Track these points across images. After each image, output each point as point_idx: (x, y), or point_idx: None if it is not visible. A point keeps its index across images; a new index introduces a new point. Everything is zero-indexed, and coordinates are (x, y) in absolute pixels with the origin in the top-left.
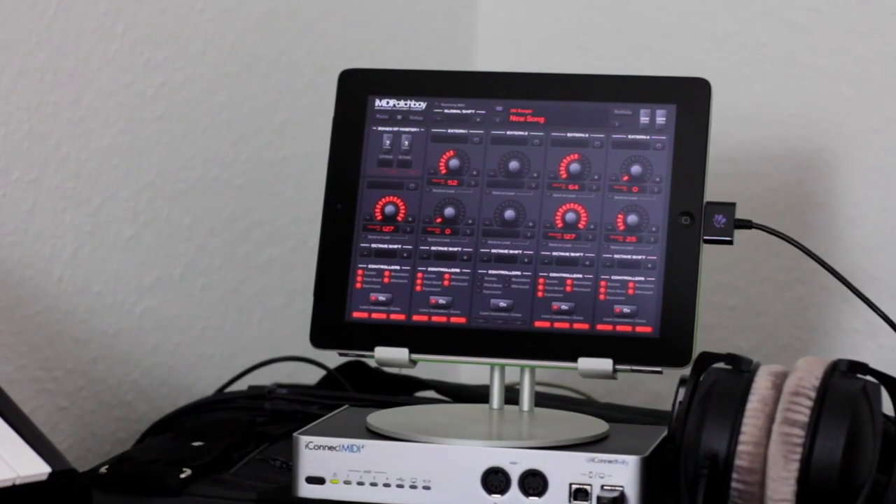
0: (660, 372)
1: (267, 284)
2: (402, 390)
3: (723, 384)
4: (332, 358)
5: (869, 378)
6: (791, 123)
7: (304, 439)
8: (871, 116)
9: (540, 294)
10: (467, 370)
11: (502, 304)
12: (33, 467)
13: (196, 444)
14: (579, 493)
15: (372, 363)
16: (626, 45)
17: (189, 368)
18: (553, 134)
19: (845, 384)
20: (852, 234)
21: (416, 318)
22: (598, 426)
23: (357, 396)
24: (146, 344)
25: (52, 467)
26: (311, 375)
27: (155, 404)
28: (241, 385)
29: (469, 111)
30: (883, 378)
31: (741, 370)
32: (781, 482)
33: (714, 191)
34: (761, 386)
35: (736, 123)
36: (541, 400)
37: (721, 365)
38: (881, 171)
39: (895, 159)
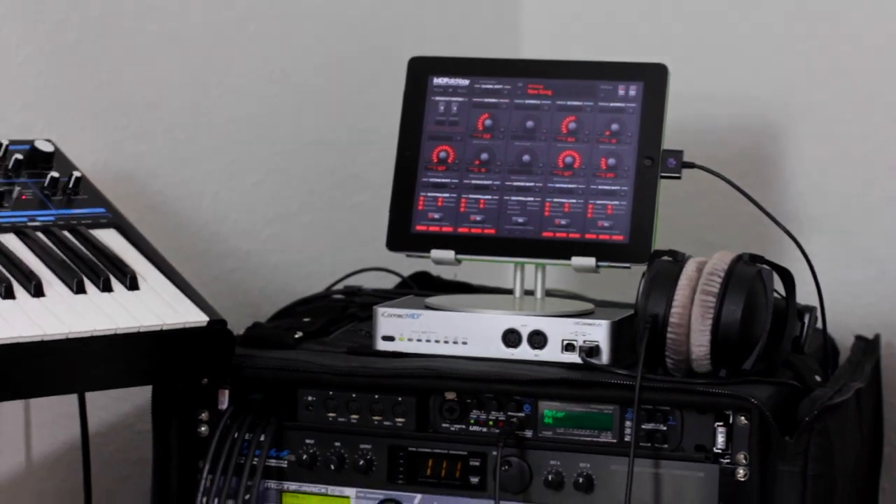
0: (628, 267)
1: (358, 221)
2: (456, 293)
3: (664, 269)
4: (406, 270)
5: (765, 266)
6: (752, 103)
7: (381, 310)
8: (810, 96)
9: (546, 213)
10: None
11: (520, 220)
12: (195, 316)
13: (306, 319)
14: (568, 346)
15: (432, 269)
16: (638, 37)
17: (301, 280)
18: (558, 102)
19: (746, 269)
20: (796, 185)
21: (460, 230)
22: (586, 306)
23: (422, 293)
24: (270, 261)
25: (209, 317)
26: (391, 285)
27: (276, 306)
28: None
29: (499, 86)
30: (775, 266)
31: (677, 260)
32: (700, 334)
33: (692, 154)
34: (689, 269)
35: (710, 103)
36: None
37: (666, 258)
38: (817, 138)
39: (827, 130)
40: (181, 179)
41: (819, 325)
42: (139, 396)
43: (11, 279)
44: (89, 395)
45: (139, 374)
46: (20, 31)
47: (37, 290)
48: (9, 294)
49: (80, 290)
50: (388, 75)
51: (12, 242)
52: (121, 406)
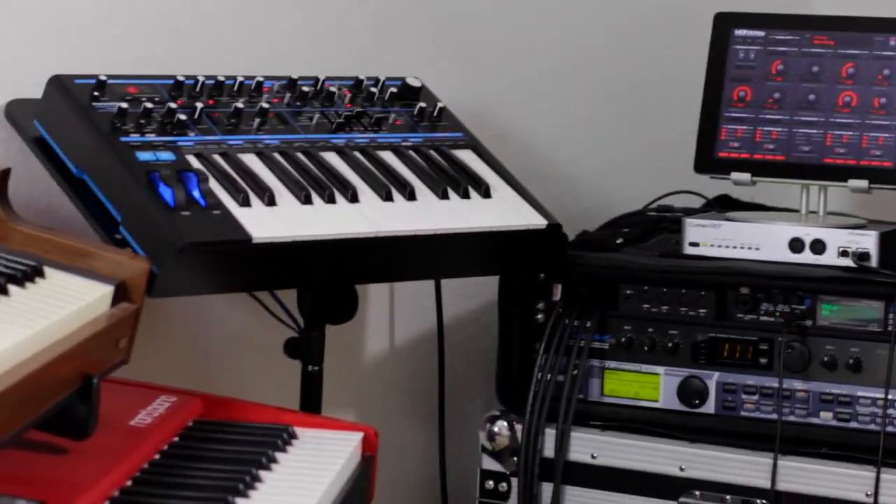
0: (895, 189)
1: (668, 153)
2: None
3: None
4: (710, 192)
5: None
6: None
7: (689, 220)
8: None
9: (828, 143)
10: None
11: (805, 148)
12: (536, 220)
13: (625, 230)
14: (843, 252)
15: (731, 192)
16: None
17: (620, 202)
18: (839, 51)
19: None
20: None
21: (755, 156)
22: (859, 221)
23: (723, 211)
24: (594, 184)
25: (548, 221)
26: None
27: (598, 223)
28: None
29: (790, 37)
30: None
31: None
32: None
33: None
34: None
35: None
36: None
37: None
38: None
39: None
40: (520, 115)
41: None
42: (483, 295)
43: (391, 186)
44: (442, 293)
45: (489, 266)
46: None
47: (410, 195)
48: (388, 197)
49: (443, 196)
50: (691, 30)
51: (389, 158)
52: (468, 303)
